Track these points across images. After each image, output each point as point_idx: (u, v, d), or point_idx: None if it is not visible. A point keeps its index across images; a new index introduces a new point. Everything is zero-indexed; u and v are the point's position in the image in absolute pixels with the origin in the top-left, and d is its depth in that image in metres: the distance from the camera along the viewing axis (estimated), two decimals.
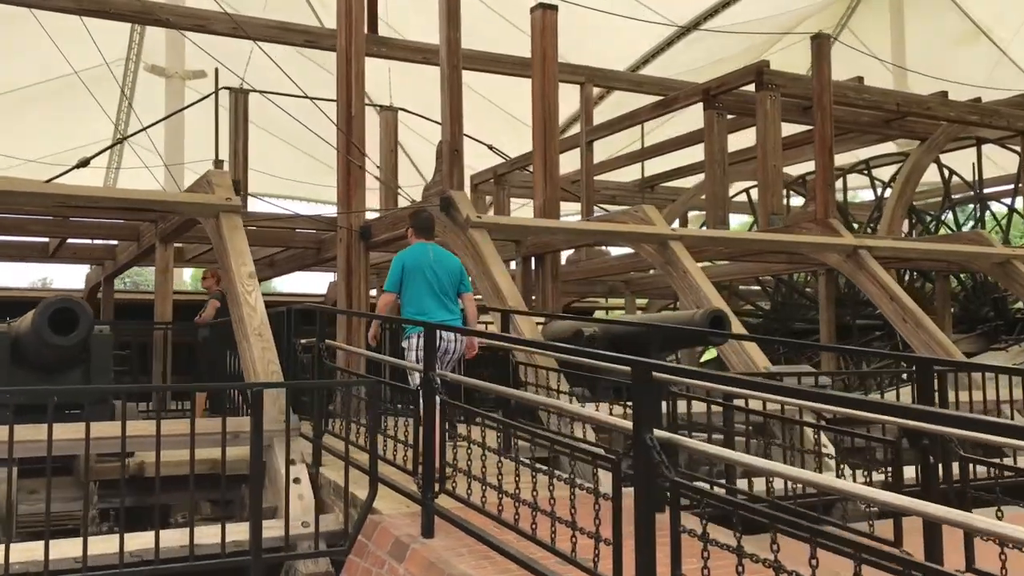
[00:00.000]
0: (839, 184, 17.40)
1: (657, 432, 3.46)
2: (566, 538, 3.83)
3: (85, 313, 5.63)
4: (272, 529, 5.76)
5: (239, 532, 5.67)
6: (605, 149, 18.37)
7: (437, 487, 4.90)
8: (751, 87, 12.46)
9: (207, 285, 9.72)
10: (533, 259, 12.26)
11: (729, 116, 13.47)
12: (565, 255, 16.80)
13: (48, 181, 13.36)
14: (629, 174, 19.35)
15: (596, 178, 18.32)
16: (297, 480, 6.36)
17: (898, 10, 26.13)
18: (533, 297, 12.34)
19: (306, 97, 12.44)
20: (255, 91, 15.53)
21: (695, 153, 15.75)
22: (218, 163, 16.92)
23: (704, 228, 13.76)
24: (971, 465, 4.08)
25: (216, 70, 11.48)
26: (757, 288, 18.80)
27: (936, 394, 6.85)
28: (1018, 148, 14.58)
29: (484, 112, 23.27)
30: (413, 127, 20.29)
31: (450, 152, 9.69)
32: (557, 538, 3.94)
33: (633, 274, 16.21)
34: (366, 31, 13.90)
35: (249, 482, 5.13)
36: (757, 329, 18.44)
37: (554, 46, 12.08)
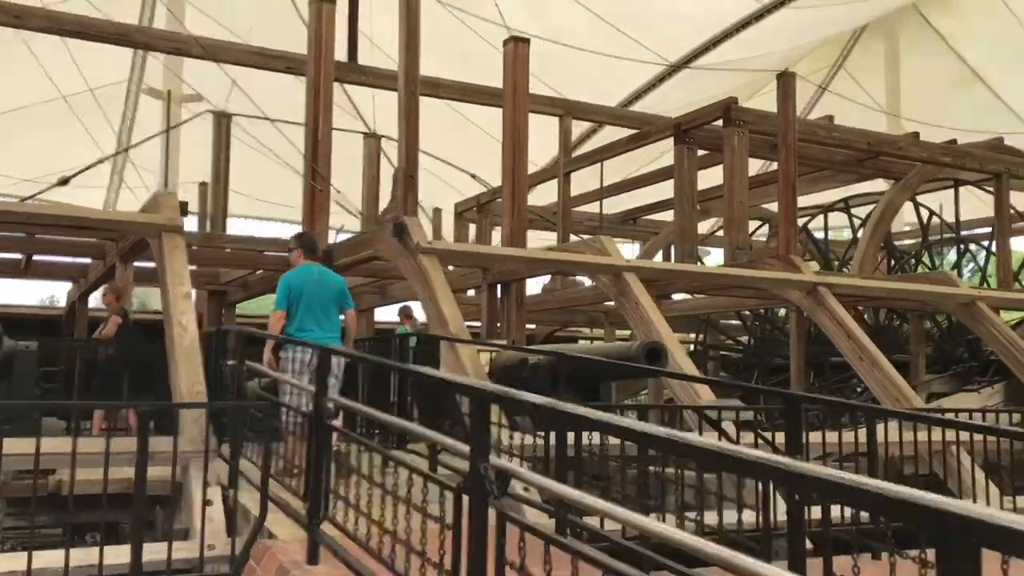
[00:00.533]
0: (819, 221, 17.51)
1: (493, 460, 3.47)
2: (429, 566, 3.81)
3: None
4: (181, 551, 5.78)
5: (148, 552, 5.71)
6: (596, 181, 18.40)
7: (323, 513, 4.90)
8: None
9: (107, 302, 9.75)
10: (499, 287, 12.31)
11: (701, 152, 13.56)
12: (541, 284, 16.86)
13: (24, 200, 13.57)
14: (616, 205, 19.41)
15: (581, 209, 18.42)
16: (209, 502, 6.37)
17: (893, 52, 26.22)
18: (499, 324, 12.36)
19: (267, 119, 12.57)
20: (237, 115, 15.76)
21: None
22: (202, 185, 17.12)
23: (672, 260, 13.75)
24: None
25: (168, 92, 11.59)
26: (738, 322, 18.74)
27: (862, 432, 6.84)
28: (993, 190, 14.55)
29: (478, 140, 23.41)
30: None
31: (404, 178, 9.77)
32: (414, 568, 3.93)
33: (609, 304, 16.18)
34: (346, 59, 14.13)
35: (133, 506, 5.11)
36: (738, 364, 18.42)
37: (525, 78, 12.21)
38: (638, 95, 23.88)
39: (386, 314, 18.01)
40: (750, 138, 12.56)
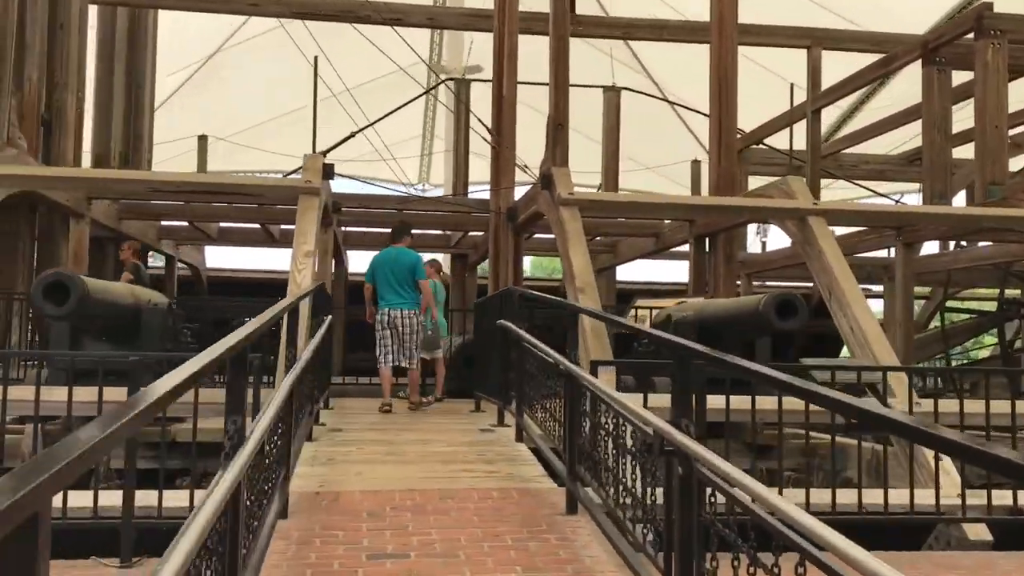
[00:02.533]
0: None
1: None
2: None
3: (75, 285, 6.22)
4: None
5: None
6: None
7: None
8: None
9: (124, 258, 10.22)
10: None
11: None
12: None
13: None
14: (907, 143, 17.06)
15: (857, 151, 16.56)
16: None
17: None
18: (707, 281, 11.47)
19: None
20: (475, 80, 16.02)
21: None
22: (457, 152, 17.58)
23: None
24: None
25: (316, 59, 11.89)
26: None
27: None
28: None
29: (765, 81, 21.77)
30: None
31: (553, 127, 9.29)
32: None
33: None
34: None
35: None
36: None
37: (733, 8, 11.17)
38: (954, 14, 20.79)
39: (628, 272, 17.56)
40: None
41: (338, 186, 16.79)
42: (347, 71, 26.24)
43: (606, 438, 4.17)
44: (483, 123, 11.73)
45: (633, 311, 11.21)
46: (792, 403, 6.00)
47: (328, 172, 8.88)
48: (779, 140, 16.16)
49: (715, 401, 5.20)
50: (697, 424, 4.13)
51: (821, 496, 5.79)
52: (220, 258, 19.18)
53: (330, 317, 7.13)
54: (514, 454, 6.42)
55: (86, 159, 13.91)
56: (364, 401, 10.52)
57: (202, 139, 17.72)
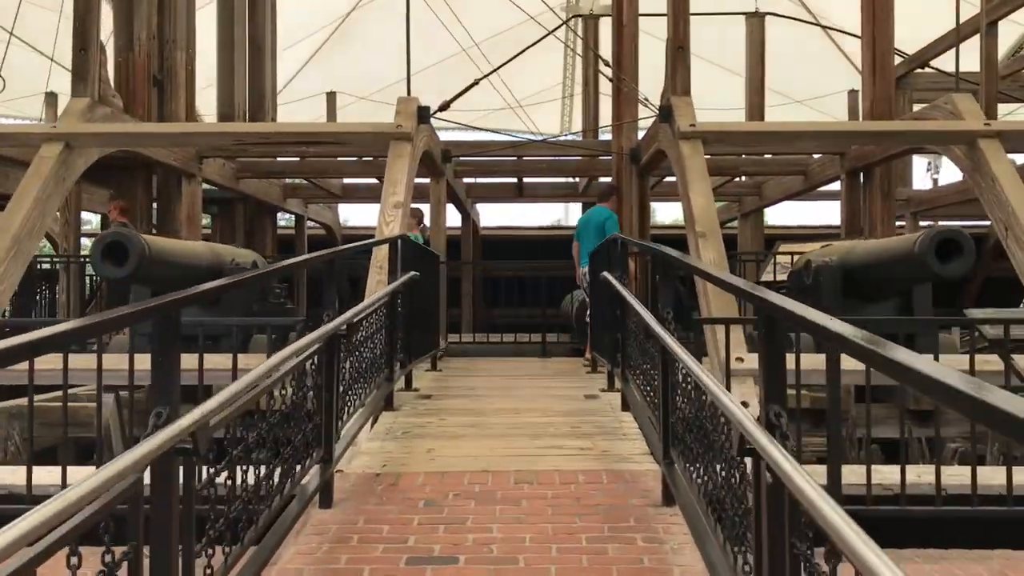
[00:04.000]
0: None
1: None
2: None
3: (133, 245, 5.77)
4: None
5: None
6: None
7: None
8: None
9: (112, 218, 9.60)
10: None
11: None
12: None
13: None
14: None
15: None
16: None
17: None
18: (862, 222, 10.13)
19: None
20: (603, 16, 14.96)
21: None
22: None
23: None
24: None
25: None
26: None
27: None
28: None
29: None
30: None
31: (673, 51, 8.18)
32: None
33: None
34: None
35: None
36: None
37: None
38: None
39: (779, 215, 16.15)
40: None
41: (463, 137, 16.19)
42: (477, 24, 25.46)
43: (690, 418, 3.27)
44: (604, 60, 10.73)
45: (776, 258, 10.02)
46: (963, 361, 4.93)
47: (423, 115, 8.17)
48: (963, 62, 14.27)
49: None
50: (831, 399, 3.15)
51: (993, 476, 4.65)
52: (358, 215, 19.01)
53: (414, 273, 6.40)
54: (615, 426, 5.57)
55: (210, 119, 13.82)
56: (480, 362, 9.90)
57: (331, 95, 17.44)
